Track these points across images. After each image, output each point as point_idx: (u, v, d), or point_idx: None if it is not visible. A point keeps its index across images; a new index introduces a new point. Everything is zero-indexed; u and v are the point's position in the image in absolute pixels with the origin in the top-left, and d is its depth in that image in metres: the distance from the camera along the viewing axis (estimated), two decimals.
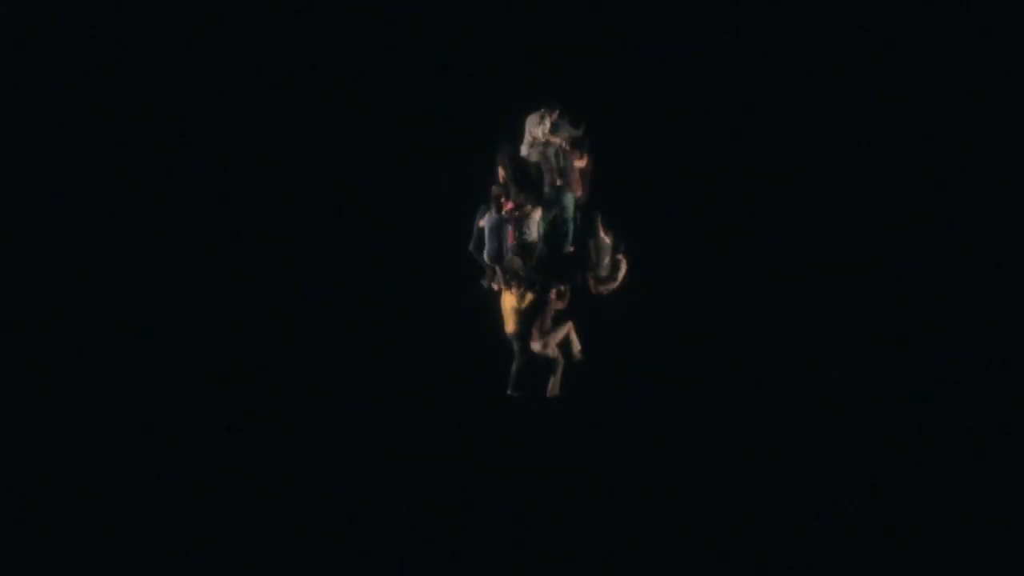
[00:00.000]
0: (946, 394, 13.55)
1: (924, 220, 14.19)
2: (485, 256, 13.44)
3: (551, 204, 13.47)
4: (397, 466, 13.16)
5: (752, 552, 12.60)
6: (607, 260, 13.50)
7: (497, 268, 13.43)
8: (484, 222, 13.42)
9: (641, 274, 13.74)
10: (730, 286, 14.14)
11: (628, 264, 13.62)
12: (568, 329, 13.27)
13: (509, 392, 13.36)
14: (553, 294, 13.17)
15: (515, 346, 13.23)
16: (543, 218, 13.38)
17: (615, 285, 13.62)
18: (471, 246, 13.56)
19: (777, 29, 14.37)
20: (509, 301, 13.15)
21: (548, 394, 13.37)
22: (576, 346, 13.41)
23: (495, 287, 13.47)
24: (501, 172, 13.54)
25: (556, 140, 13.43)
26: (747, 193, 14.27)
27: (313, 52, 14.39)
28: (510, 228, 13.29)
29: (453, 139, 14.21)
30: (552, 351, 13.21)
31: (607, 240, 13.48)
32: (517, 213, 13.28)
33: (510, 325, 13.19)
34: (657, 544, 12.64)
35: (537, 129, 13.42)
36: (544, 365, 13.27)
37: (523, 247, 13.26)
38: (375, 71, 14.45)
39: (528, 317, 13.15)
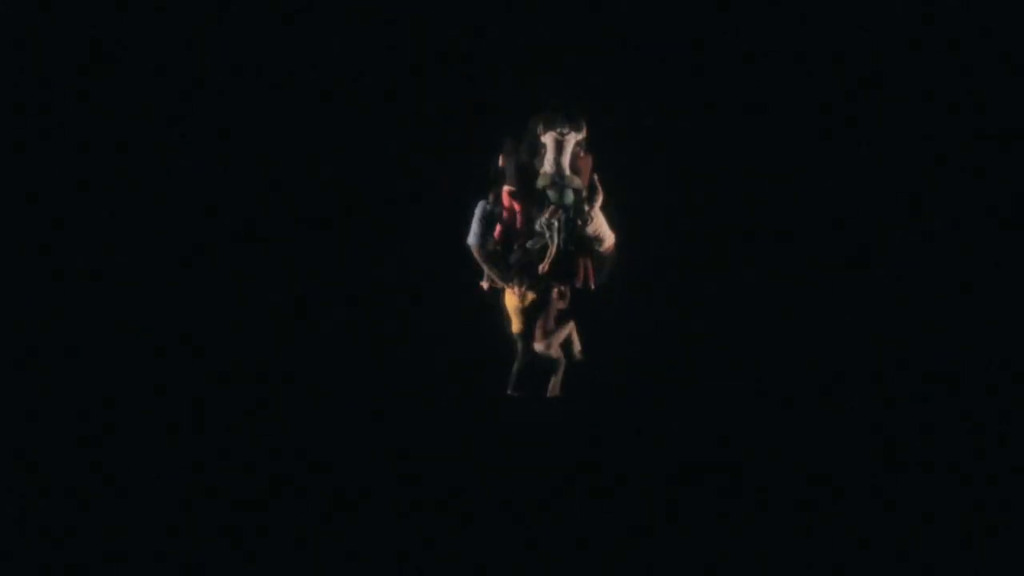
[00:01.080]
0: (946, 394, 13.56)
1: (924, 220, 14.19)
2: (472, 242, 13.33)
3: (557, 205, 13.44)
4: (396, 466, 13.16)
5: (752, 552, 12.61)
6: (605, 243, 13.43)
7: (488, 264, 13.39)
8: (478, 211, 13.34)
9: (641, 274, 13.74)
10: (730, 286, 14.14)
11: (622, 251, 13.53)
12: (570, 329, 13.28)
13: (509, 392, 13.36)
14: (555, 293, 13.16)
15: (518, 346, 13.22)
16: (556, 217, 13.29)
17: (608, 261, 13.50)
18: (469, 240, 13.50)
19: (777, 29, 14.36)
20: (512, 301, 13.14)
21: (548, 394, 13.37)
22: (576, 346, 13.41)
23: (496, 286, 13.45)
24: (502, 165, 13.49)
25: (570, 142, 13.38)
26: (747, 193, 14.27)
27: (313, 52, 14.37)
28: (515, 225, 13.27)
29: (453, 139, 14.20)
30: (555, 351, 13.21)
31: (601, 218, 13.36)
32: (520, 212, 13.26)
33: (515, 325, 13.17)
34: (657, 544, 12.65)
35: (549, 133, 13.34)
36: (544, 365, 13.27)
37: (532, 248, 13.21)
38: (375, 71, 14.44)
39: (531, 317, 13.14)
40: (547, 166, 13.39)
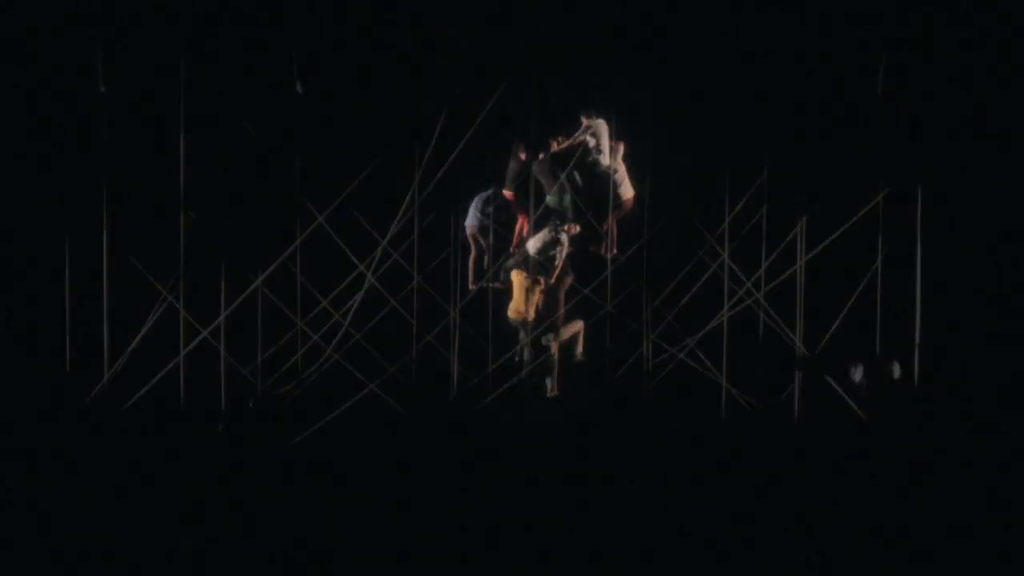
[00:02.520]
0: (945, 392, 13.58)
1: (924, 220, 14.20)
2: (470, 222, 13.37)
3: (557, 209, 13.48)
4: (396, 466, 13.15)
5: (752, 552, 12.59)
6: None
7: (483, 248, 13.41)
8: (476, 200, 13.42)
9: (641, 273, 13.76)
10: (730, 286, 14.14)
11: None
12: (578, 328, 13.27)
13: (512, 391, 13.36)
14: (564, 280, 13.19)
15: (519, 336, 13.20)
16: (569, 234, 13.28)
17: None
18: (467, 220, 13.52)
19: (777, 29, 14.39)
20: (519, 290, 13.09)
21: (548, 394, 13.38)
22: (579, 347, 13.40)
23: (496, 285, 13.46)
24: (513, 167, 13.51)
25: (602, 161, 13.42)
26: (748, 193, 14.28)
27: (313, 51, 14.39)
28: (522, 227, 13.38)
29: (453, 140, 14.21)
30: (555, 348, 13.20)
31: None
32: (524, 217, 13.32)
33: (516, 313, 13.12)
34: (657, 544, 12.63)
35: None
36: (544, 365, 13.28)
37: (538, 258, 13.23)
38: (377, 71, 14.46)
39: (539, 307, 13.14)
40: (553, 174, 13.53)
